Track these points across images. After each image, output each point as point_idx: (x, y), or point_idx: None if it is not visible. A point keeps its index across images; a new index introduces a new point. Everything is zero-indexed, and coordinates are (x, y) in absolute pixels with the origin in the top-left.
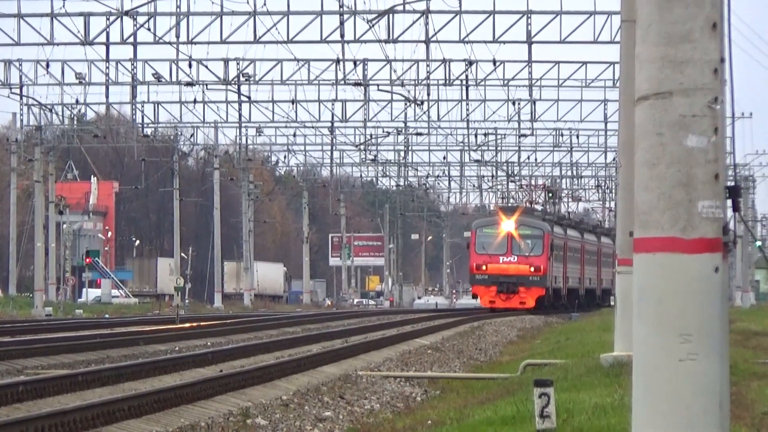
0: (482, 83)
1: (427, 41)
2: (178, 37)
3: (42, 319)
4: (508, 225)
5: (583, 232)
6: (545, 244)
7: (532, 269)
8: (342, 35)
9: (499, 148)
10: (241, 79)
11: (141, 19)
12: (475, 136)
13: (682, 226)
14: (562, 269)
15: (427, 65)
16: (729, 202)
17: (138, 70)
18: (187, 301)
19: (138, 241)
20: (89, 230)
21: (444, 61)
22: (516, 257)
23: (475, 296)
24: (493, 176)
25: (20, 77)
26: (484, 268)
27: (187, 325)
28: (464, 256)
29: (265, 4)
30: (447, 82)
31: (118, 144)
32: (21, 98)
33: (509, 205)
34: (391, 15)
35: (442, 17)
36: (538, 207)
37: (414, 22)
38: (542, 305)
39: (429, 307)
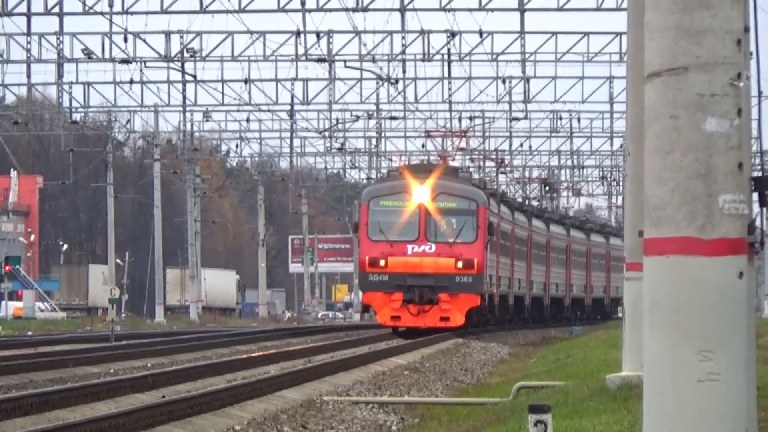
0: (467, 58)
1: (403, 9)
2: (111, 6)
3: None
4: (420, 193)
5: (569, 228)
6: (480, 223)
7: (461, 264)
8: (302, 3)
9: (487, 134)
10: (186, 55)
11: None
12: (459, 120)
13: (701, 224)
14: (496, 263)
15: (403, 37)
16: (755, 196)
17: (65, 46)
18: (123, 315)
19: (66, 246)
20: (8, 233)
21: (422, 32)
22: (433, 245)
23: (366, 308)
24: (480, 167)
25: None
26: (382, 263)
27: (124, 342)
28: None
29: None
30: (426, 57)
31: (42, 132)
32: None
33: (421, 162)
34: None
35: None
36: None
37: None
38: (472, 320)
39: None
